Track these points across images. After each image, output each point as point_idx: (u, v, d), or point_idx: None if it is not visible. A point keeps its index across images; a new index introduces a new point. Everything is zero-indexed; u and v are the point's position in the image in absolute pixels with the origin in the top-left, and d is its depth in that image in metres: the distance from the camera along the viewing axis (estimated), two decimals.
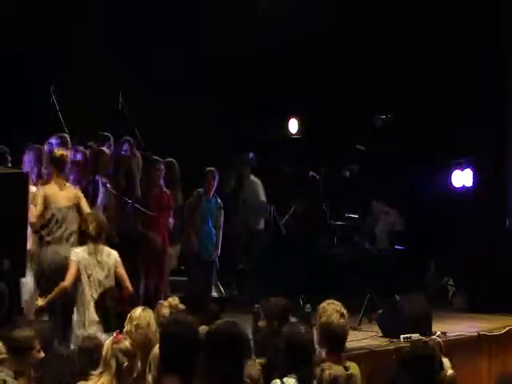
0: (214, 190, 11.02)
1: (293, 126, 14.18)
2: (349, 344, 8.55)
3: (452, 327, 10.34)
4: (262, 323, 6.40)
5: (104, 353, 5.04)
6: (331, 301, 5.91)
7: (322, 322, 5.82)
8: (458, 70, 13.43)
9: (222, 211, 11.23)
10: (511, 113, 13.76)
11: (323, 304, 5.89)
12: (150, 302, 7.42)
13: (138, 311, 5.98)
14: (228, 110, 12.82)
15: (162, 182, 10.12)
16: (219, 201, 11.16)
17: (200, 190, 11.05)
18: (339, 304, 5.87)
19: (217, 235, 11.06)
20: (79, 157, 9.28)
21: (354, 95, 13.57)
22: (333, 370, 5.21)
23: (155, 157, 10.27)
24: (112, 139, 10.20)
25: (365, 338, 9.39)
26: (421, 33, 13.31)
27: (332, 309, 5.81)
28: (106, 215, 9.31)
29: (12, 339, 5.27)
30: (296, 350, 5.46)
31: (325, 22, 13.20)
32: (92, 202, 9.19)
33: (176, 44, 12.42)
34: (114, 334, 5.17)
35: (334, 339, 5.75)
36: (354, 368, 5.86)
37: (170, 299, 6.13)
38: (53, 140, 9.45)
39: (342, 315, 5.80)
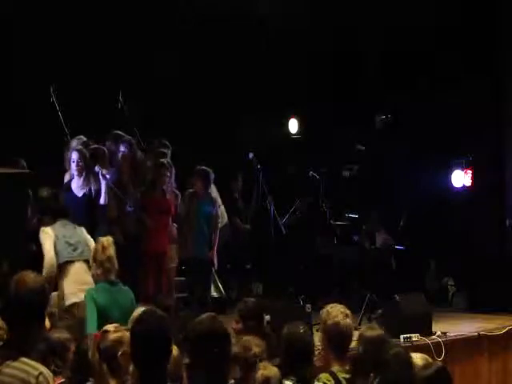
0: (205, 188, 10.78)
1: (293, 125, 14.19)
2: None
3: (452, 327, 10.33)
4: (236, 326, 6.31)
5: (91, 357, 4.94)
6: (334, 304, 5.91)
7: (328, 325, 5.78)
8: (458, 70, 13.43)
9: (217, 209, 11.00)
10: (511, 113, 13.76)
11: (327, 308, 5.87)
12: (150, 302, 7.41)
13: None
14: (228, 109, 12.81)
15: (167, 186, 9.96)
16: (213, 198, 10.91)
17: (191, 190, 10.83)
18: (342, 306, 5.87)
19: (213, 234, 10.84)
20: (75, 157, 9.23)
21: (354, 95, 13.58)
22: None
23: (162, 160, 10.14)
24: (125, 138, 10.15)
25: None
26: (420, 33, 13.32)
27: (337, 311, 5.81)
28: (109, 215, 9.33)
29: (49, 340, 5.25)
30: (296, 350, 5.45)
31: (325, 22, 13.20)
32: (96, 198, 9.19)
33: (176, 44, 12.41)
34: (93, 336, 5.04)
35: (342, 340, 5.74)
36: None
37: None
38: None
39: (346, 315, 5.80)
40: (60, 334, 5.42)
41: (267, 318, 6.42)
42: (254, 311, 6.29)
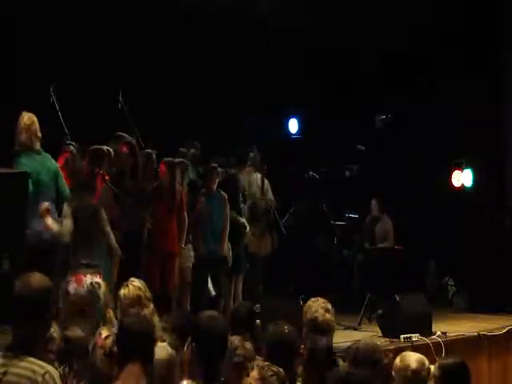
0: (215, 186, 10.71)
1: (293, 126, 14.20)
2: (348, 344, 8.59)
3: (452, 327, 10.34)
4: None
5: None
6: (316, 298, 5.88)
7: (308, 319, 5.74)
8: (458, 70, 13.44)
9: (227, 206, 10.85)
10: (511, 112, 13.77)
11: (309, 302, 5.84)
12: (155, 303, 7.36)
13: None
14: (228, 109, 12.81)
15: (174, 183, 9.95)
16: (223, 194, 10.80)
17: (203, 190, 10.80)
18: (325, 300, 5.79)
19: (223, 231, 10.85)
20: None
21: (354, 95, 13.58)
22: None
23: (167, 159, 10.12)
24: (126, 139, 10.15)
25: (365, 338, 9.39)
26: (420, 33, 13.32)
27: (317, 305, 5.77)
28: (108, 213, 9.31)
29: (64, 338, 5.25)
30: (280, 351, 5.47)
31: (325, 22, 13.21)
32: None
33: (176, 44, 12.41)
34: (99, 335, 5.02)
35: (322, 334, 5.74)
36: (342, 365, 5.86)
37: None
38: None
39: (327, 310, 5.72)
40: (75, 333, 5.41)
41: (257, 322, 6.39)
42: (245, 319, 6.22)
